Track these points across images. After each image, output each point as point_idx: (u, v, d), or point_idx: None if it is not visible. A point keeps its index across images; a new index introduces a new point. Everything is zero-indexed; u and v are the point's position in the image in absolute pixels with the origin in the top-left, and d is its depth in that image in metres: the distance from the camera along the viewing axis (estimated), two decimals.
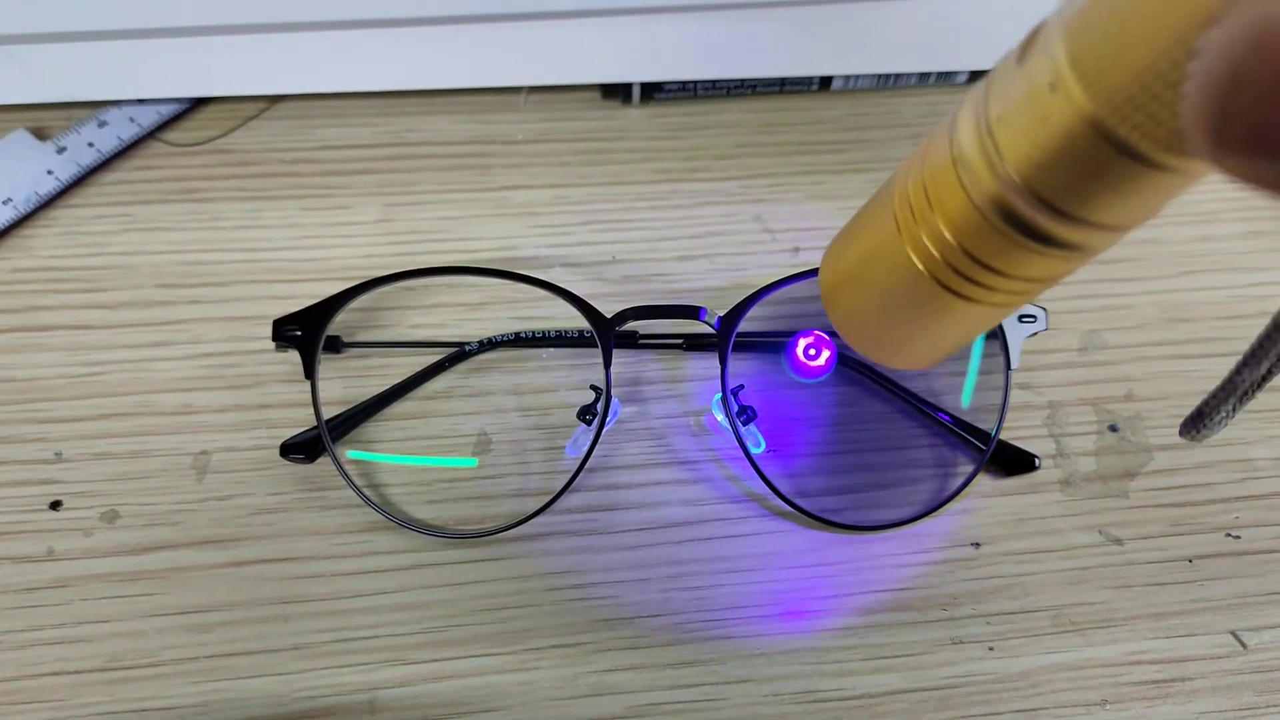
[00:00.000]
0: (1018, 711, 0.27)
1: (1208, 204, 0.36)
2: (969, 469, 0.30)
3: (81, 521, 0.29)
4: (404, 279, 0.30)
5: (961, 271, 0.18)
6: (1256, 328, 0.33)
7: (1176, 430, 0.31)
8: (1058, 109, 0.15)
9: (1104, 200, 0.16)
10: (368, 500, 0.29)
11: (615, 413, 0.30)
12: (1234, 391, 0.20)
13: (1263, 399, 0.32)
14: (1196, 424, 0.21)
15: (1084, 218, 0.16)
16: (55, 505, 0.29)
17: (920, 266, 0.18)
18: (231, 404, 0.31)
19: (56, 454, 0.30)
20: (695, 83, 0.37)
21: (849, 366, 0.32)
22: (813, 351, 0.31)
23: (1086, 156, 0.15)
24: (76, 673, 0.27)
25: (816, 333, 0.31)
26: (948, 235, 0.17)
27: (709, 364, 0.32)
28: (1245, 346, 0.33)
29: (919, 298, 0.19)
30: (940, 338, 0.21)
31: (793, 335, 0.31)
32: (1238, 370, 0.19)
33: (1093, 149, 0.15)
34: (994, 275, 0.18)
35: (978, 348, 0.32)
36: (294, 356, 0.30)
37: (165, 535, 0.29)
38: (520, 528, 0.29)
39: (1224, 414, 0.20)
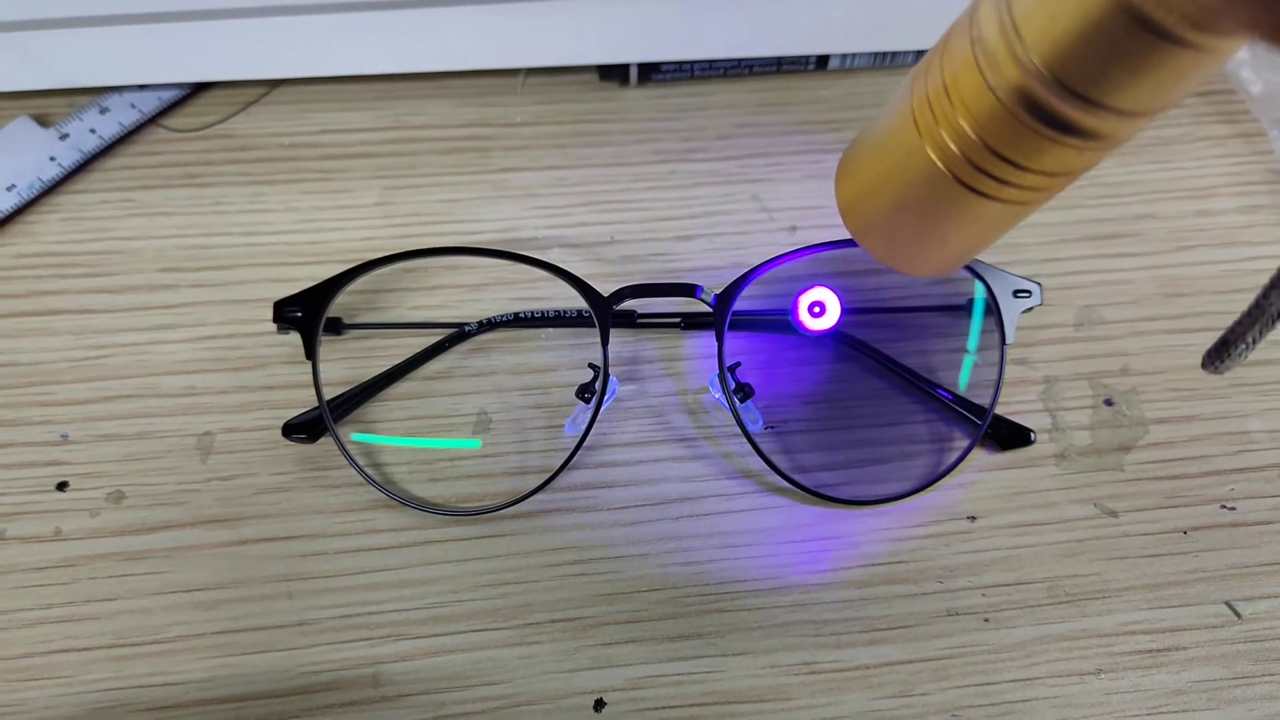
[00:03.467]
0: (1013, 681, 0.28)
1: (1205, 179, 0.36)
2: (965, 444, 0.31)
3: (88, 502, 0.30)
4: (403, 260, 0.31)
5: (982, 167, 0.18)
6: None
7: (1172, 402, 0.32)
8: None
9: (1126, 83, 0.16)
10: (369, 479, 0.29)
11: (613, 391, 0.31)
12: (1260, 316, 0.20)
13: (1257, 373, 0.32)
14: (1221, 354, 0.21)
15: (1106, 103, 0.16)
16: (62, 486, 0.30)
17: (940, 165, 0.19)
18: (234, 386, 0.31)
19: (63, 436, 0.30)
20: (692, 63, 0.37)
21: (847, 343, 0.32)
22: (817, 309, 0.30)
23: (1110, 36, 0.15)
24: (84, 650, 0.28)
25: (819, 287, 0.31)
26: (969, 130, 0.18)
27: (707, 342, 0.32)
28: None
29: (939, 197, 0.19)
30: (959, 239, 0.21)
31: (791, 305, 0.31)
32: (1265, 294, 0.19)
33: (1116, 27, 0.15)
34: (1014, 169, 0.18)
35: (975, 325, 0.32)
36: (296, 338, 0.30)
37: (170, 515, 0.29)
38: (520, 505, 0.29)
39: (1248, 341, 0.20)
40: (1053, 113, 0.17)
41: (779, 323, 0.33)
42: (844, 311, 0.30)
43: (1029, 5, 0.16)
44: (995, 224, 0.20)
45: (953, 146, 0.18)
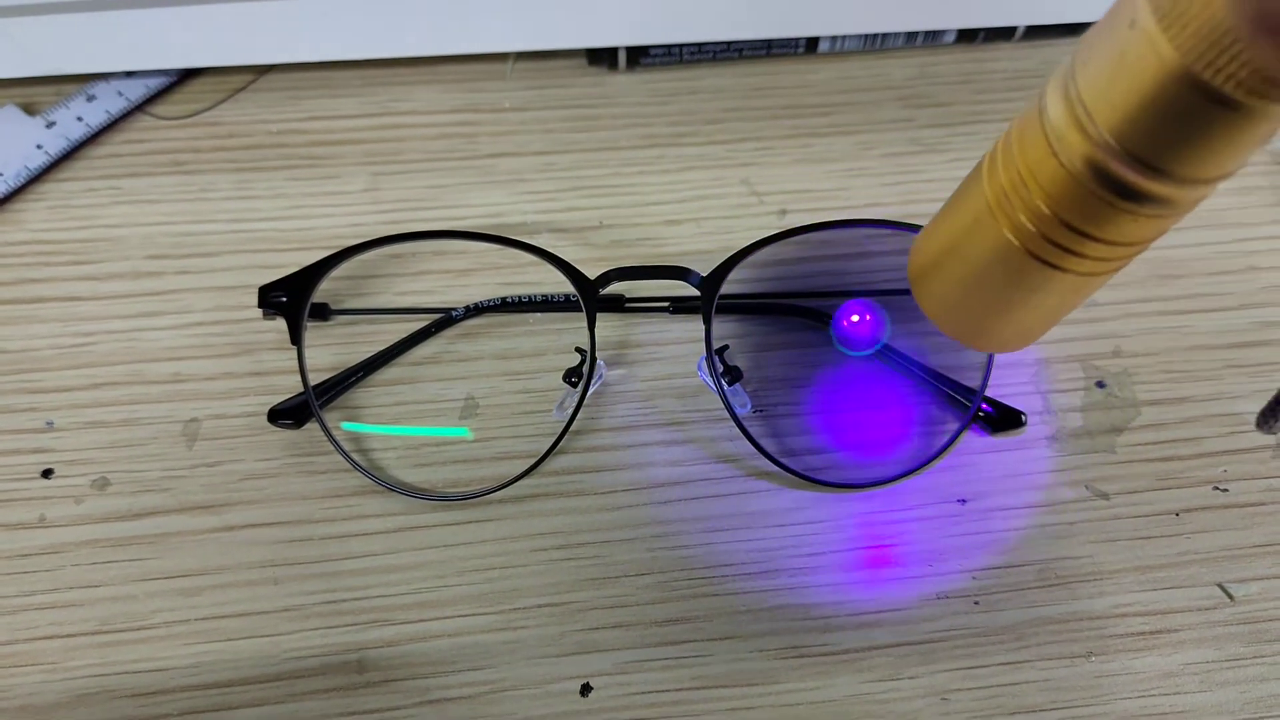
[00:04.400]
0: (1002, 664, 0.28)
1: None
2: (955, 427, 0.30)
3: (73, 489, 0.29)
4: (387, 244, 0.30)
5: (1056, 241, 0.19)
6: (1246, 283, 0.33)
7: (1164, 384, 0.31)
8: (1144, 64, 0.16)
9: (1192, 150, 0.16)
10: (355, 464, 0.29)
11: (600, 375, 0.31)
12: None
13: (1250, 354, 0.32)
14: (1271, 415, 0.23)
15: (1174, 171, 0.17)
16: (47, 473, 0.30)
17: (1016, 242, 0.19)
18: (221, 372, 0.31)
19: (48, 423, 0.30)
20: (681, 47, 0.37)
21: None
22: (856, 319, 0.31)
23: (1174, 106, 0.16)
24: (69, 636, 0.28)
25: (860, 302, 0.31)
26: (1043, 207, 0.18)
27: (696, 326, 0.32)
28: (1235, 302, 0.33)
29: (1013, 274, 0.20)
30: (1032, 313, 0.21)
31: (790, 299, 0.31)
32: None
33: (1180, 98, 0.16)
34: (1087, 241, 0.19)
35: None
36: (283, 325, 0.30)
37: (156, 501, 0.29)
38: (506, 490, 0.29)
39: None
40: (1123, 182, 0.17)
41: (768, 305, 0.32)
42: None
43: (1094, 80, 0.17)
44: (1066, 296, 0.21)
45: (1028, 224, 0.19)
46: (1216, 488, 0.30)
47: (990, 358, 0.30)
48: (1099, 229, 0.18)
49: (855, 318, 0.30)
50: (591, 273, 0.30)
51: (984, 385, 0.30)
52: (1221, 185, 0.35)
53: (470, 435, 0.31)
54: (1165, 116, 0.16)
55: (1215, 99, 0.15)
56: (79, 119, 0.35)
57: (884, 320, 0.30)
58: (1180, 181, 0.17)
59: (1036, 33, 0.38)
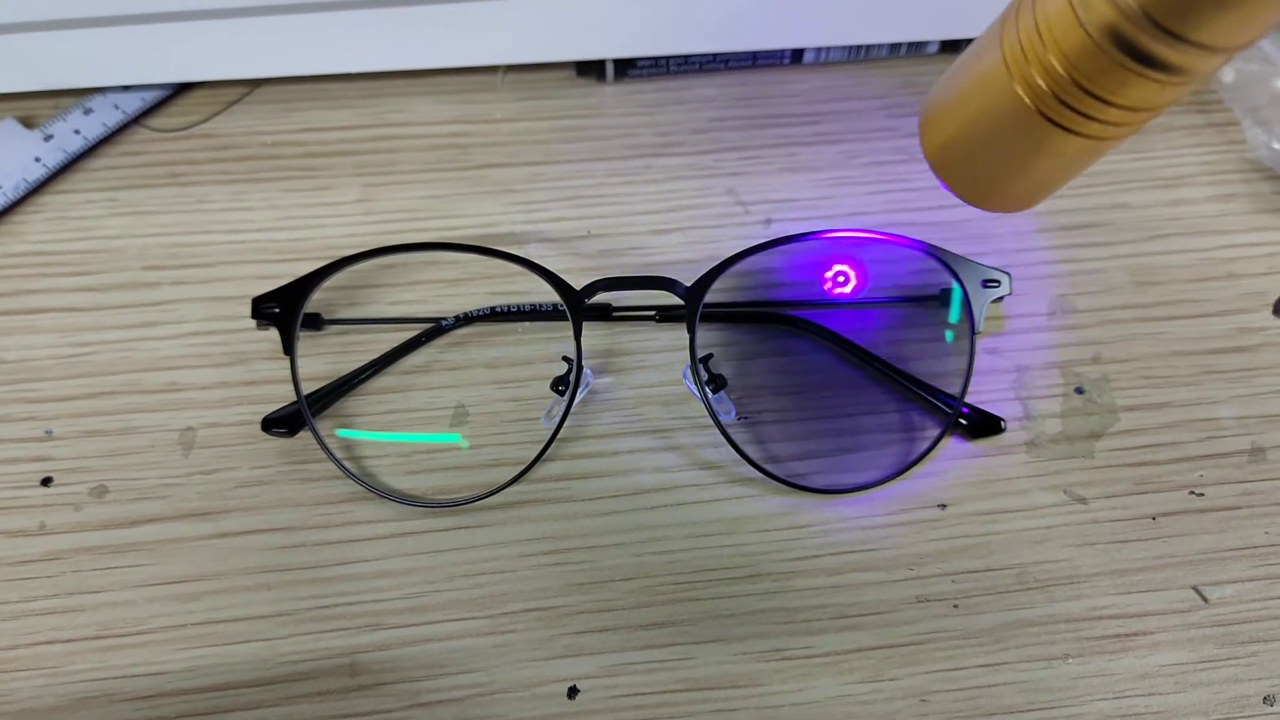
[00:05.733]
0: (981, 666, 0.28)
1: (1178, 169, 0.36)
2: (935, 433, 0.31)
3: (72, 496, 0.30)
4: (379, 255, 0.31)
5: (1068, 102, 0.19)
6: (1226, 289, 0.34)
7: (1143, 390, 0.32)
8: None
9: (1211, 18, 0.17)
10: (348, 472, 0.30)
11: (587, 383, 0.31)
12: None
13: (1228, 360, 0.33)
14: None
15: (1192, 38, 0.17)
16: (46, 481, 0.30)
17: (1028, 101, 0.20)
18: (216, 381, 0.32)
19: (47, 432, 0.31)
20: (668, 59, 0.37)
21: (819, 334, 0.33)
22: (852, 290, 0.32)
23: None
24: (69, 641, 0.28)
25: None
26: (1058, 66, 0.19)
27: (681, 335, 0.33)
28: (1214, 308, 0.34)
29: (1022, 133, 0.21)
30: (1039, 174, 0.22)
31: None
32: None
33: None
34: (1098, 104, 0.19)
35: (945, 315, 0.32)
36: (276, 335, 0.31)
37: (153, 509, 0.30)
38: (496, 496, 0.30)
39: None
40: (1140, 48, 0.18)
41: (752, 314, 0.33)
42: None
43: None
44: (1075, 159, 0.21)
45: (1041, 83, 0.20)
46: (1193, 492, 0.31)
47: (969, 365, 0.31)
48: (1113, 93, 0.19)
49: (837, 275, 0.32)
50: (578, 282, 0.30)
51: (964, 392, 0.31)
52: (1203, 192, 0.36)
53: (460, 443, 0.31)
54: None
55: None
56: (76, 132, 0.36)
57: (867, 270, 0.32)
58: (1200, 49, 0.18)
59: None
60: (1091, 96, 0.19)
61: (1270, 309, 0.33)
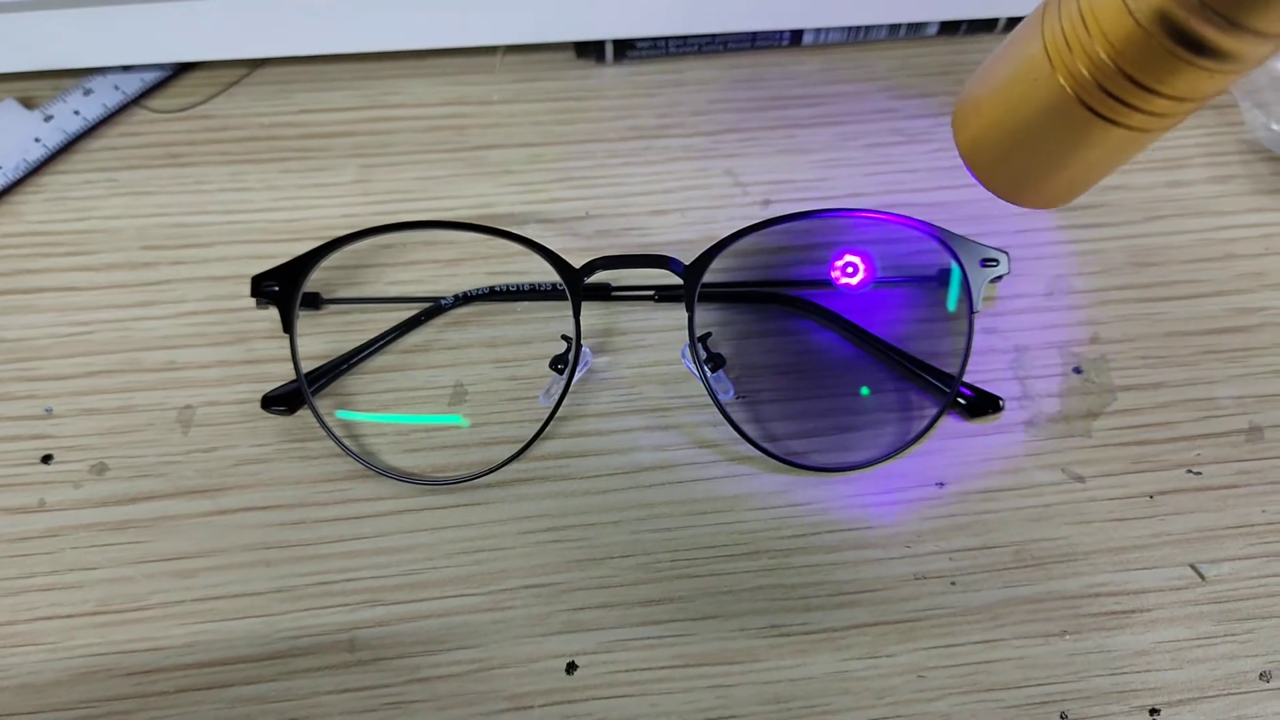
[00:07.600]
0: (978, 642, 0.28)
1: (1176, 150, 0.36)
2: (934, 412, 0.31)
3: (71, 474, 0.30)
4: (377, 234, 0.31)
5: (1113, 92, 0.19)
6: (1223, 270, 0.34)
7: (1141, 370, 0.32)
8: None
9: (1264, 3, 0.17)
10: (347, 450, 0.30)
11: (586, 362, 0.31)
12: None
13: (1225, 340, 0.33)
14: None
15: (1245, 23, 0.17)
16: (46, 459, 0.30)
17: (1070, 92, 0.19)
18: (215, 360, 0.32)
19: (47, 410, 0.31)
20: (667, 39, 0.37)
21: (817, 314, 0.33)
22: (850, 269, 0.32)
23: None
24: (68, 616, 0.28)
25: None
26: (1104, 55, 0.19)
27: (680, 314, 0.33)
28: (1212, 289, 0.34)
29: (1063, 125, 0.20)
30: (1077, 167, 0.22)
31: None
32: None
33: None
34: (1144, 93, 0.19)
35: (944, 294, 0.33)
36: (275, 314, 0.31)
37: (152, 486, 0.30)
38: (494, 474, 0.30)
39: None
40: (1192, 34, 0.17)
41: (750, 293, 0.33)
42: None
43: None
44: (1114, 152, 0.21)
45: (1085, 73, 0.19)
46: (1190, 471, 0.31)
47: (968, 345, 0.31)
48: (1160, 82, 0.18)
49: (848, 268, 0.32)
50: (577, 262, 0.30)
51: (962, 371, 0.31)
52: (1201, 174, 0.36)
53: (459, 421, 0.31)
54: None
55: None
56: (76, 112, 0.36)
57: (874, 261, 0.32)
58: (1253, 35, 0.17)
59: (1017, 24, 0.38)
60: (1137, 86, 0.19)
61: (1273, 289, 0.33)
